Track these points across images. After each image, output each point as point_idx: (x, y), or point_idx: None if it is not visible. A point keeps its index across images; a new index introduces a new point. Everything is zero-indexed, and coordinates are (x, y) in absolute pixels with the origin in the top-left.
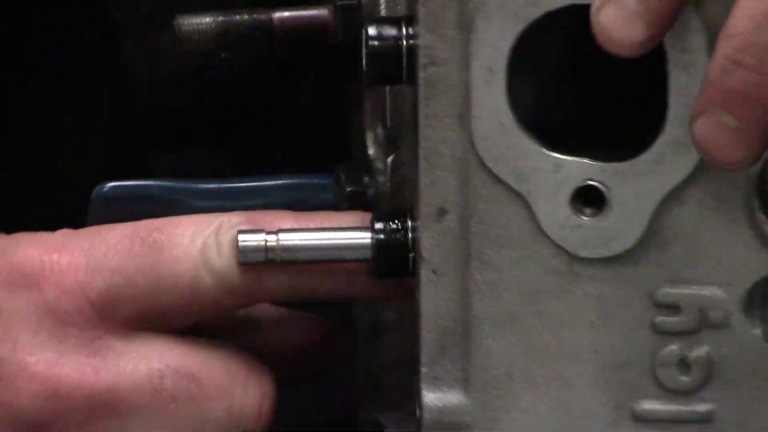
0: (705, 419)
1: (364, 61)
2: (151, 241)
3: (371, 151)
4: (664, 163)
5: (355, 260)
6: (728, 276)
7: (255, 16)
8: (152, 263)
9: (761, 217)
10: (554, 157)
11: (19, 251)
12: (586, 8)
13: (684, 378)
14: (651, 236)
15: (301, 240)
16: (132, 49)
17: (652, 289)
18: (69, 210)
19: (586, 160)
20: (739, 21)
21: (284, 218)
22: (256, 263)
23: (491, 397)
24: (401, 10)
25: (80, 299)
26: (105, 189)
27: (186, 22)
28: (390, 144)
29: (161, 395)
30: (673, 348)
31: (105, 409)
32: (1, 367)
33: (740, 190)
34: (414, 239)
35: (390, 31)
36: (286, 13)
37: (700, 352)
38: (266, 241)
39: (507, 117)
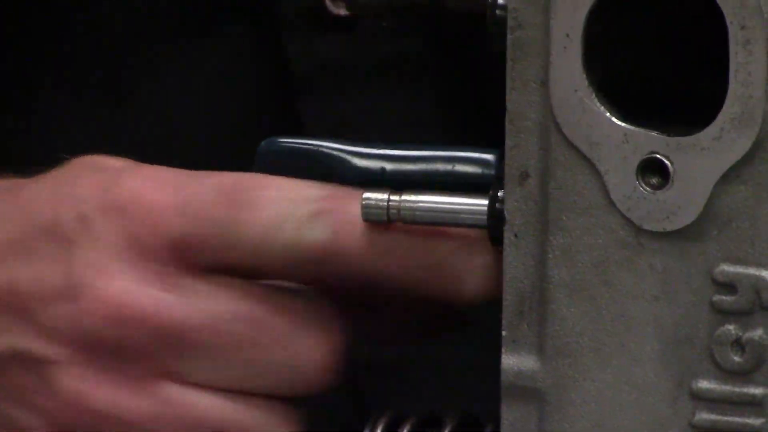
0: (757, 402)
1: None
2: (244, 197)
3: None
4: (723, 139)
5: (473, 225)
6: None
7: None
8: (240, 219)
9: None
10: (623, 126)
11: (120, 181)
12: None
13: (738, 359)
14: (710, 213)
15: (422, 200)
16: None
17: (710, 266)
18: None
19: (653, 133)
20: None
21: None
22: (379, 221)
23: (563, 365)
24: None
25: (164, 238)
26: (270, 144)
27: None
28: None
29: (226, 338)
30: (729, 328)
31: (171, 345)
32: (82, 290)
33: None
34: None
35: None
36: None
37: (754, 334)
38: (389, 200)
39: (582, 84)
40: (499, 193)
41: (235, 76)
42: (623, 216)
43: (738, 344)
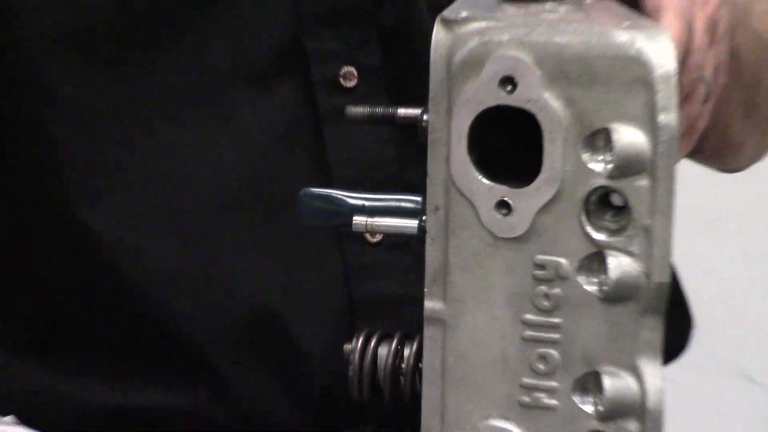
0: (554, 326)
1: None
2: None
3: None
4: (540, 190)
5: (411, 234)
6: (568, 253)
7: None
8: None
9: (584, 219)
10: (487, 183)
11: None
12: (507, 107)
13: (546, 303)
14: (532, 228)
15: (384, 221)
16: None
17: (532, 256)
18: None
19: (503, 186)
20: None
21: None
22: (361, 231)
23: (455, 306)
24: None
25: None
26: (305, 191)
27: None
28: None
29: None
30: (542, 288)
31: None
32: None
33: (575, 205)
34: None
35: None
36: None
37: (555, 291)
38: (366, 221)
39: (466, 160)
40: (423, 218)
41: (277, 124)
42: (488, 230)
43: (546, 296)
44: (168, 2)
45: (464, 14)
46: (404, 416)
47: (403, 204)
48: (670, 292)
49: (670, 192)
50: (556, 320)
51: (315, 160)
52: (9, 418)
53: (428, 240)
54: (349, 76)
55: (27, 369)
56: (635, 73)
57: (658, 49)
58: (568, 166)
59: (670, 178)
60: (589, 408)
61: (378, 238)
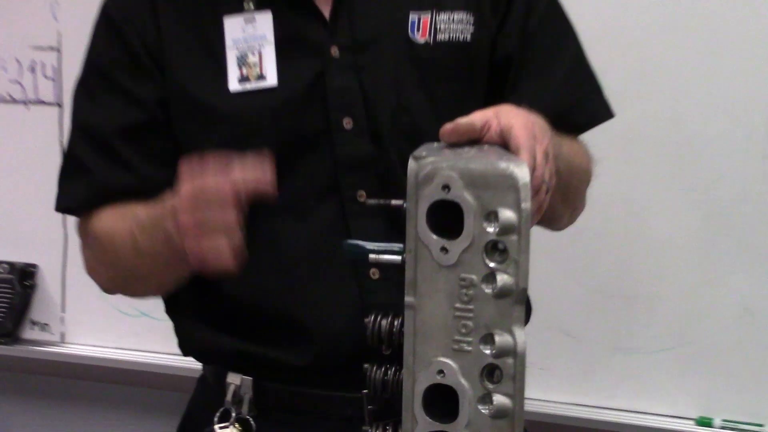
0: (471, 312)
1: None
2: None
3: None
4: (463, 241)
5: (396, 265)
6: (477, 273)
7: None
8: None
9: (484, 256)
10: (436, 237)
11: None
12: (446, 200)
13: (465, 298)
14: (459, 261)
15: (384, 257)
16: None
17: (459, 275)
18: None
19: (444, 239)
20: None
21: None
22: (363, 260)
23: (420, 300)
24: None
25: None
26: (346, 242)
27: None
28: None
29: None
30: (464, 291)
31: None
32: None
33: (480, 249)
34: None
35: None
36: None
37: (470, 293)
38: (372, 256)
39: (425, 227)
40: (404, 255)
41: (328, 219)
42: (436, 262)
43: (466, 295)
44: (291, 147)
45: (424, 153)
46: (394, 357)
47: (394, 248)
48: (527, 294)
49: (527, 242)
50: (471, 307)
51: (346, 234)
52: None
53: (407, 266)
54: (361, 195)
55: (214, 335)
56: (509, 183)
57: (520, 170)
58: (476, 229)
59: (528, 235)
60: (488, 351)
61: (377, 276)
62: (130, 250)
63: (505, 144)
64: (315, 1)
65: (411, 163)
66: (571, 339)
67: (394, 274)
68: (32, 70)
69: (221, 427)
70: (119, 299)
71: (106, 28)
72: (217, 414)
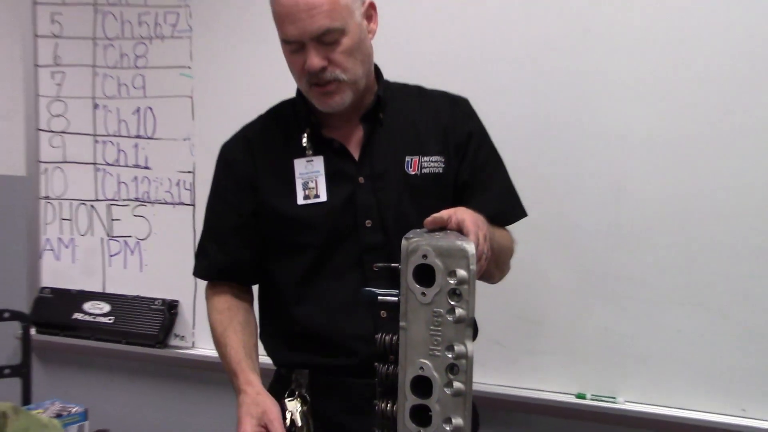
0: (440, 333)
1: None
2: None
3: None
4: (435, 289)
5: (393, 304)
6: (444, 307)
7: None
8: None
9: (448, 297)
10: (419, 287)
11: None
12: (425, 264)
13: (437, 323)
14: (433, 300)
15: (387, 299)
16: None
17: (433, 309)
18: None
19: (423, 287)
20: None
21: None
22: (372, 299)
23: (409, 324)
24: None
25: None
26: (362, 290)
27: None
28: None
29: None
30: (437, 318)
31: None
32: None
33: (445, 293)
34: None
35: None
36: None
37: (439, 320)
38: (379, 296)
39: (412, 280)
40: (399, 296)
41: (357, 277)
42: (418, 300)
43: (437, 322)
44: (334, 237)
45: (411, 236)
46: (394, 359)
47: (393, 293)
48: (474, 320)
49: (474, 289)
50: (440, 329)
51: (365, 284)
52: None
53: (401, 304)
54: (376, 266)
55: (287, 351)
56: (463, 254)
57: (469, 246)
58: (443, 282)
59: (474, 284)
60: (450, 356)
61: (385, 316)
62: (218, 348)
63: (460, 230)
64: (349, 150)
65: (403, 242)
66: (501, 346)
67: (396, 312)
68: (177, 184)
69: (289, 400)
70: None
71: (222, 164)
72: (287, 392)
